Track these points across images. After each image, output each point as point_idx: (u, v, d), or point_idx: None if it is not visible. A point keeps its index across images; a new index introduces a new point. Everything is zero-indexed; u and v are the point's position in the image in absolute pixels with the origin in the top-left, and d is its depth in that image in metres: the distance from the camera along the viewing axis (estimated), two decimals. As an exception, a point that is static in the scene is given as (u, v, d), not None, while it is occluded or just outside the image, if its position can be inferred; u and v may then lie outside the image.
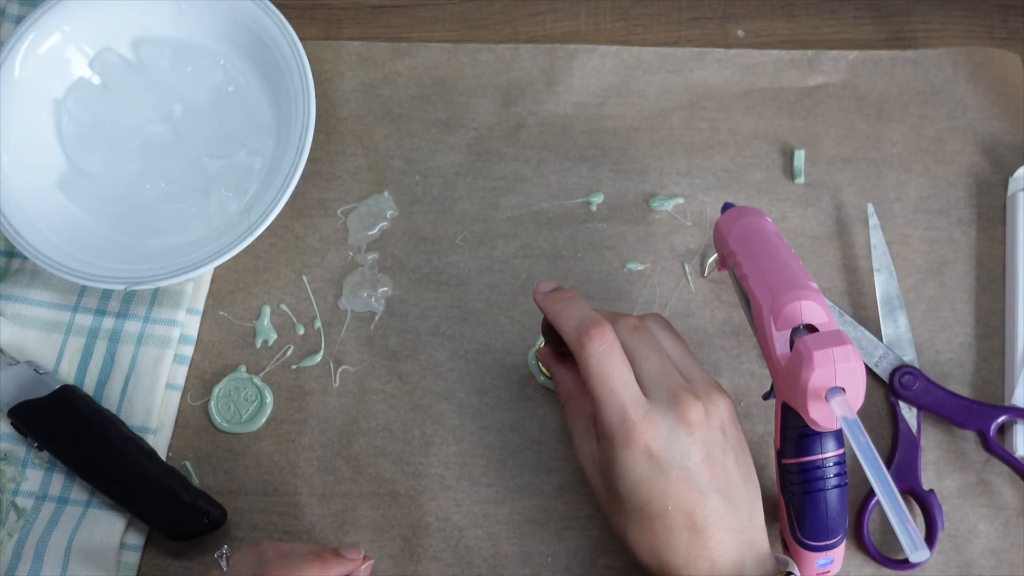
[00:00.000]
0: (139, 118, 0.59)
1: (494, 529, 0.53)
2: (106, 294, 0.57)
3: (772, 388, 0.48)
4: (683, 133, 0.60)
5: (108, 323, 0.56)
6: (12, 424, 0.53)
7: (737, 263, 0.48)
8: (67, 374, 0.56)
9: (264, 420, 0.56)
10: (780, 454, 0.48)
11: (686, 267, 0.58)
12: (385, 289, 0.57)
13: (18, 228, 0.54)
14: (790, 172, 0.59)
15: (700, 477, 0.44)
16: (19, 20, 0.61)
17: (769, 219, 0.49)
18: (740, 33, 0.63)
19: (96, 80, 0.59)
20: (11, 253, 0.59)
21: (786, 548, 0.49)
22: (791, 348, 0.44)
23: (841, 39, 0.63)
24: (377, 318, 0.57)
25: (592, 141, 0.60)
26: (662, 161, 0.60)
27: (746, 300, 0.48)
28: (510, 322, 0.57)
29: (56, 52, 0.57)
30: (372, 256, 0.58)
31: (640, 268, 0.58)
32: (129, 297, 0.57)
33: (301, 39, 0.57)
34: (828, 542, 0.47)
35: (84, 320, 0.57)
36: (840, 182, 0.59)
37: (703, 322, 0.57)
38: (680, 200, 0.59)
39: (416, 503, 0.54)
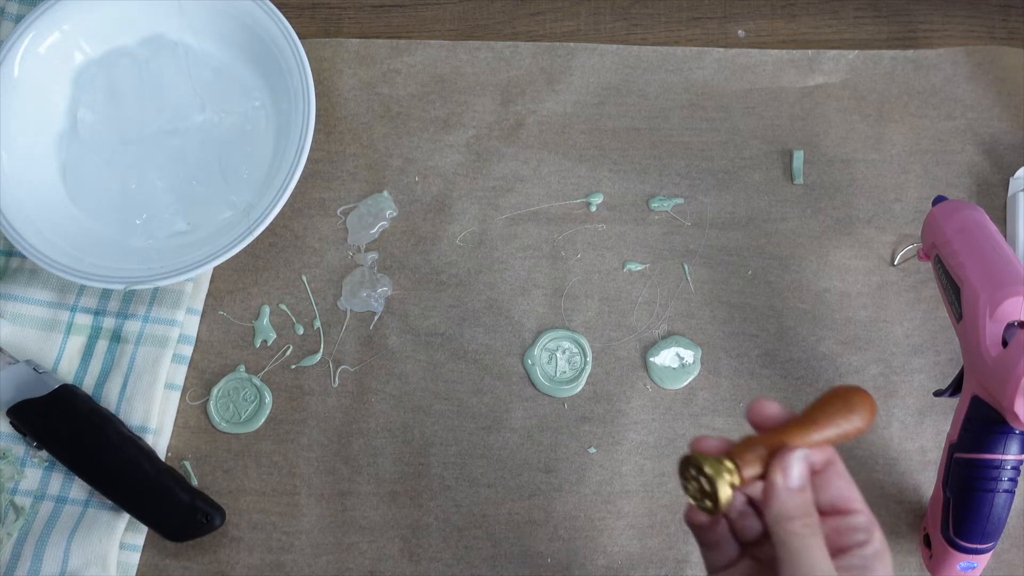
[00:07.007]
0: (137, 117, 0.59)
1: (494, 529, 0.53)
2: (105, 294, 0.57)
3: (950, 386, 0.48)
4: (683, 133, 0.60)
5: (107, 323, 0.56)
6: (11, 423, 0.53)
7: (953, 251, 0.48)
8: (66, 373, 0.56)
9: (263, 420, 0.56)
10: (954, 447, 0.47)
11: (686, 267, 0.58)
12: (385, 289, 0.57)
13: (17, 227, 0.54)
14: (789, 173, 0.59)
15: None
16: (19, 19, 0.61)
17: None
18: (740, 33, 0.63)
19: (95, 80, 0.59)
20: (10, 252, 0.59)
21: (927, 545, 0.49)
22: (1003, 342, 0.44)
23: (841, 39, 0.63)
24: (377, 318, 0.57)
25: (592, 141, 0.60)
26: (662, 161, 0.60)
27: (955, 290, 0.48)
28: (509, 322, 0.57)
29: (56, 51, 0.57)
30: (371, 256, 0.58)
31: (640, 268, 0.58)
32: (128, 297, 0.57)
33: (300, 38, 0.57)
34: (981, 545, 0.46)
35: (83, 319, 0.56)
36: (840, 182, 0.59)
37: (704, 322, 0.57)
38: (680, 200, 0.59)
39: (416, 503, 0.54)
